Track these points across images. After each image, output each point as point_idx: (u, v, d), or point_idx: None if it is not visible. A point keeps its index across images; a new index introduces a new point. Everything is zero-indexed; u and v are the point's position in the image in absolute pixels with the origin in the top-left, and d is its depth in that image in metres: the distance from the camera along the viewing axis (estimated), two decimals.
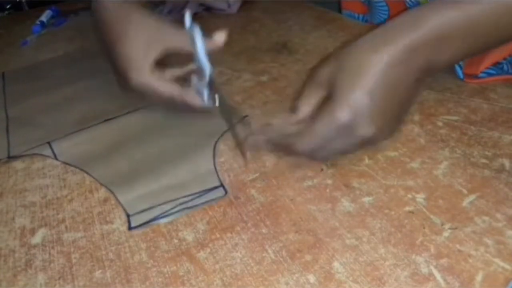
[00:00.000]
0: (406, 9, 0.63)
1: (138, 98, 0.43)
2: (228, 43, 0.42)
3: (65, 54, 0.70)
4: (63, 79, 0.60)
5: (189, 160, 0.41)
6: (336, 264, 0.29)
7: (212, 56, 0.39)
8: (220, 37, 0.42)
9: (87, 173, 0.41)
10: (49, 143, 0.45)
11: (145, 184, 0.38)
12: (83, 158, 0.43)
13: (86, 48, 0.71)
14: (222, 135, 0.43)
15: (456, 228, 0.31)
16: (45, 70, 0.65)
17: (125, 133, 0.46)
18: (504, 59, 0.50)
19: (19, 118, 0.52)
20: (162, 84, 0.41)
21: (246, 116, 0.46)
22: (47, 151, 0.44)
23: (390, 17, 0.66)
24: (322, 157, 0.34)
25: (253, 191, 0.37)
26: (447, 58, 0.31)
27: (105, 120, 0.48)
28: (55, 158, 0.43)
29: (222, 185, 0.37)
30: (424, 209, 0.33)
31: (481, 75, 0.50)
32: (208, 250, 0.31)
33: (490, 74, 0.50)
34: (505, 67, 0.50)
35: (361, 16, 0.74)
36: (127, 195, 0.37)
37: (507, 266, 0.28)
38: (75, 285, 0.30)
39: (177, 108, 0.43)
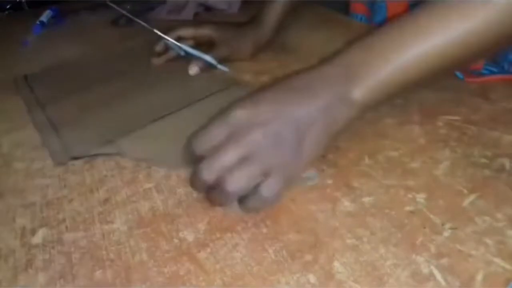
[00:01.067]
0: (404, 10, 0.63)
1: None
2: None
3: (92, 55, 0.70)
4: (94, 80, 0.59)
5: None
6: (336, 264, 0.29)
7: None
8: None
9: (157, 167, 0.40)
10: (112, 141, 0.44)
11: None
12: (152, 153, 0.42)
13: (114, 51, 0.71)
14: None
15: (456, 228, 0.31)
16: (70, 71, 0.64)
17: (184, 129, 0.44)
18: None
19: (62, 119, 0.50)
20: None
21: None
22: (111, 150, 0.43)
23: (387, 18, 0.66)
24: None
25: None
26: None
27: (154, 120, 0.47)
28: (123, 156, 0.43)
29: None
30: (425, 209, 0.33)
31: (483, 71, 0.50)
32: (209, 250, 0.31)
33: (492, 72, 0.50)
34: (506, 66, 0.50)
35: (359, 15, 0.74)
36: None
37: (507, 266, 0.28)
38: (75, 285, 0.30)
39: None
